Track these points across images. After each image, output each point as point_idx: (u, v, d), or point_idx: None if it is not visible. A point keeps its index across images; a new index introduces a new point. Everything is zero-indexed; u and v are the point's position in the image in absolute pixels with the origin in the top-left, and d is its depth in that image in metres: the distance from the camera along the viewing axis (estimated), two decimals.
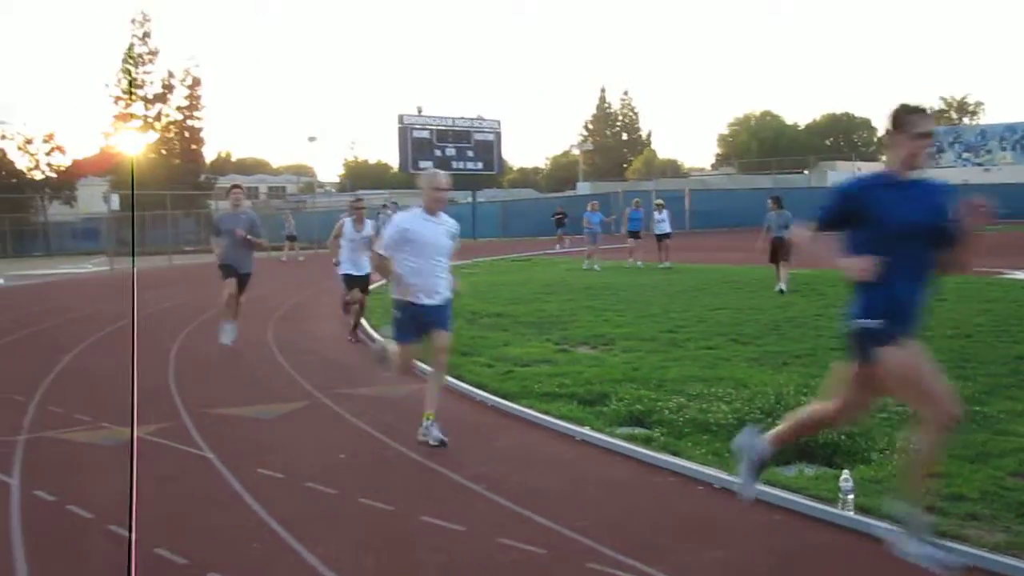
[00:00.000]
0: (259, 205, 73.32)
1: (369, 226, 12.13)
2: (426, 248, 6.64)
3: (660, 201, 26.40)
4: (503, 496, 5.45)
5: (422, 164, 47.45)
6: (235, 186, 12.86)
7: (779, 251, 16.69)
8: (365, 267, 11.85)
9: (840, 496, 4.88)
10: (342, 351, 11.77)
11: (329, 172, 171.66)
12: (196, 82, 62.14)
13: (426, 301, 6.67)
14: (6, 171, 61.60)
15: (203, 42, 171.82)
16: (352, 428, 7.44)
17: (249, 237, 11.69)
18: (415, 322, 6.73)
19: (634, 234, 25.27)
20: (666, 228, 24.85)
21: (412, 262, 6.63)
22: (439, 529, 4.95)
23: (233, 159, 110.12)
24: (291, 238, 36.28)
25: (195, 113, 62.32)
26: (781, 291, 16.12)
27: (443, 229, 6.81)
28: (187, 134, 62.13)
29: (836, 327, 11.48)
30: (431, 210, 6.77)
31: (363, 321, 12.82)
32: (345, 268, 12.13)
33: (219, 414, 8.04)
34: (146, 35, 60.91)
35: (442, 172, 6.96)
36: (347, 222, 12.09)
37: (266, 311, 16.29)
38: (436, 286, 6.71)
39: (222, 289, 11.86)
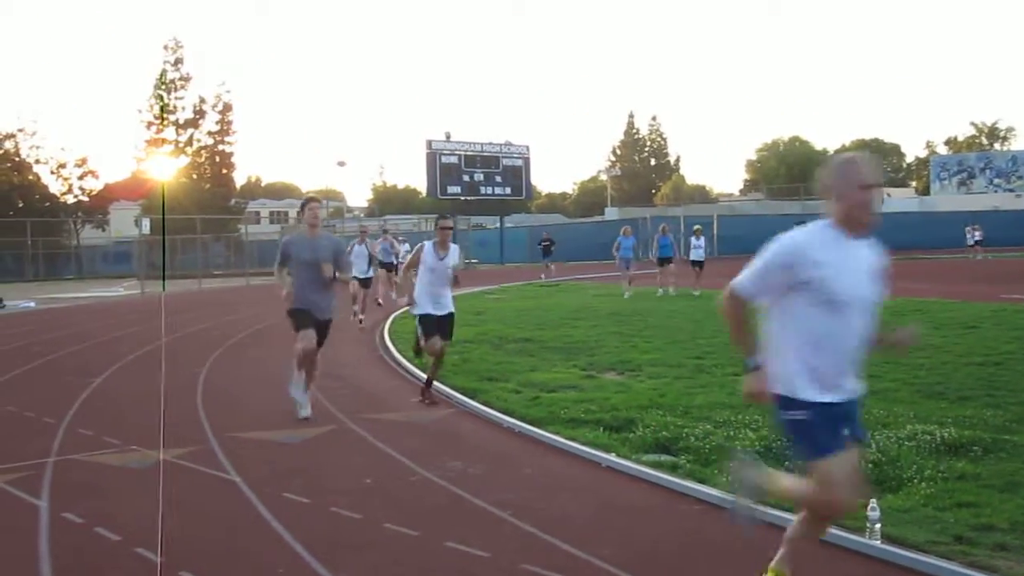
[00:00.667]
0: (288, 230, 73.87)
1: (454, 253, 9.60)
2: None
3: (698, 227, 25.81)
4: (528, 523, 5.44)
5: (450, 189, 47.78)
6: (311, 200, 9.46)
7: None
8: (448, 304, 9.56)
9: (868, 525, 4.83)
10: (367, 375, 11.80)
11: (358, 197, 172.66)
12: (227, 107, 62.85)
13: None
14: (39, 195, 62.39)
15: (234, 68, 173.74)
16: (378, 453, 7.45)
17: (336, 275, 9.20)
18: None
19: (664, 261, 24.32)
20: (701, 255, 24.49)
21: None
22: (463, 555, 4.95)
23: (263, 183, 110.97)
24: None
25: (226, 138, 62.99)
26: None
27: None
28: (218, 159, 62.72)
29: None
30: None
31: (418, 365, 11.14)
32: (423, 306, 9.44)
33: (246, 438, 8.08)
34: (178, 61, 61.72)
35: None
36: (427, 247, 9.45)
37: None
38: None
39: (296, 343, 9.07)
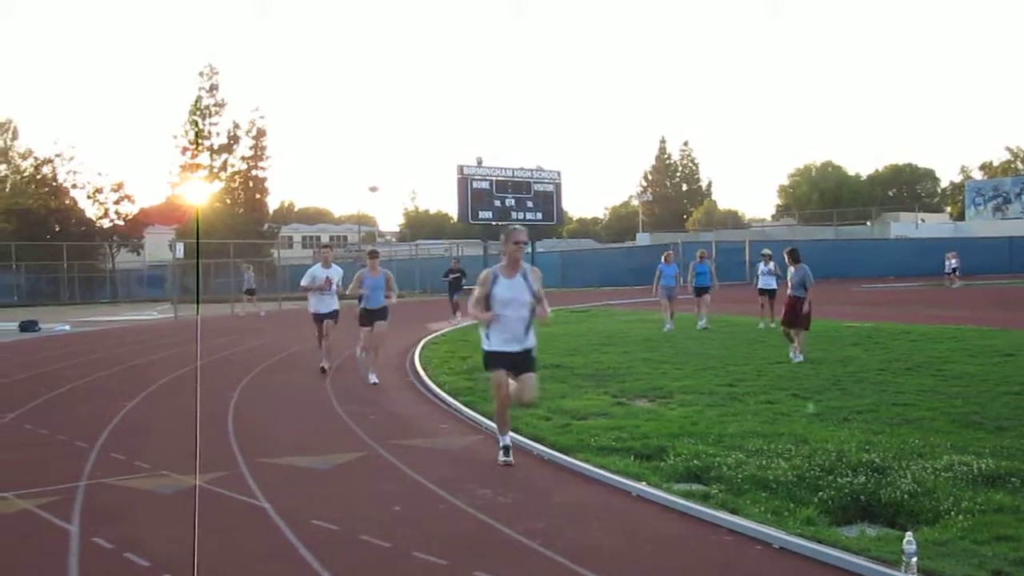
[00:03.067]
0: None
1: (529, 278, 8.04)
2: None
3: (767, 252, 21.79)
4: (558, 552, 5.39)
5: (482, 215, 47.84)
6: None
7: (795, 313, 14.32)
8: (528, 338, 7.98)
9: (904, 559, 4.73)
10: (398, 401, 11.77)
11: (390, 222, 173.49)
12: (261, 133, 63.46)
13: None
14: (76, 219, 63.17)
15: (268, 93, 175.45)
16: (407, 480, 7.42)
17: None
18: None
19: (701, 291, 21.67)
20: (773, 283, 20.93)
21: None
22: None
23: (296, 208, 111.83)
24: (250, 292, 34.45)
25: (259, 163, 63.53)
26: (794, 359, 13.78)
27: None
28: (251, 184, 63.29)
29: (899, 382, 11.30)
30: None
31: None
32: (494, 342, 7.90)
33: (276, 464, 8.08)
34: (213, 87, 62.45)
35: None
36: (495, 272, 8.01)
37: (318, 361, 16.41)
38: None
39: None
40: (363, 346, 13.68)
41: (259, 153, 63.43)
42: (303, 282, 14.52)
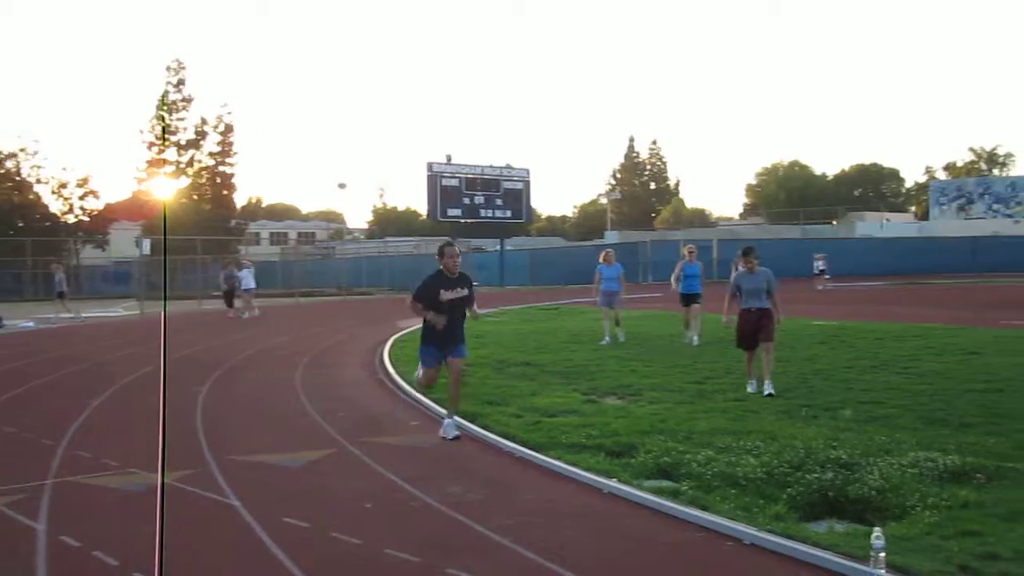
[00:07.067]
0: (288, 251, 73.99)
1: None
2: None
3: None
4: (529, 549, 5.40)
5: (451, 212, 47.81)
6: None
7: (758, 329, 11.05)
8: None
9: (872, 554, 4.78)
10: (368, 399, 11.74)
11: (358, 219, 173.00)
12: (228, 128, 63.08)
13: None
14: (40, 214, 62.43)
15: (236, 89, 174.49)
16: (378, 477, 7.41)
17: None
18: None
19: (690, 299, 17.29)
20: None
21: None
22: None
23: (264, 205, 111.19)
24: (60, 295, 31.03)
25: (227, 159, 63.15)
26: (761, 393, 10.66)
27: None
28: (219, 180, 62.92)
29: (866, 380, 11.41)
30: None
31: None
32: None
33: (245, 461, 8.04)
34: (180, 82, 61.97)
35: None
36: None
37: (294, 356, 16.35)
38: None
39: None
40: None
41: (226, 149, 63.06)
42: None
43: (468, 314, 9.44)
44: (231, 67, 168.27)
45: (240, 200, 74.36)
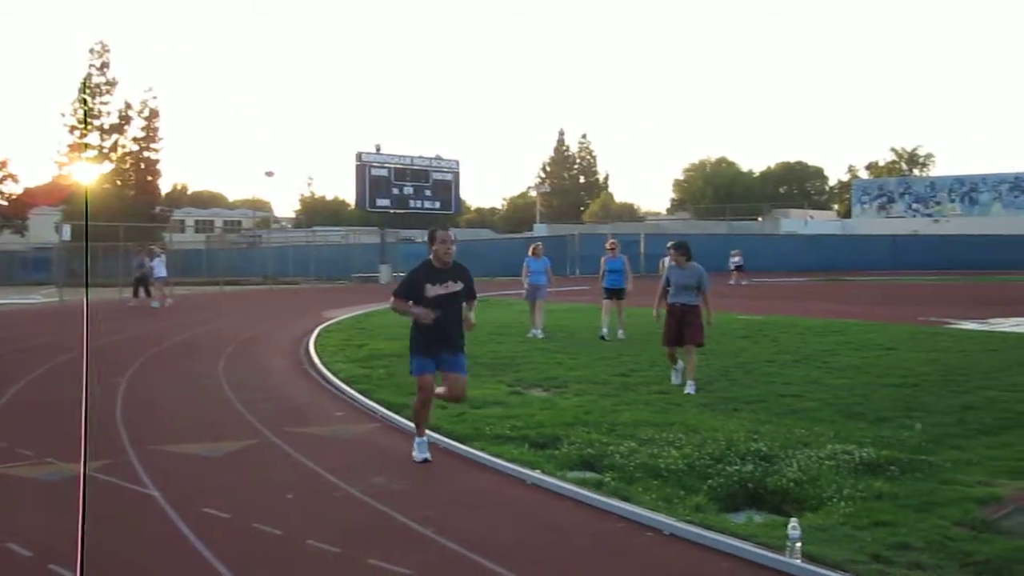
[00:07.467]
0: (213, 239, 72.97)
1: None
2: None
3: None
4: (452, 540, 5.41)
5: (380, 202, 47.53)
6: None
7: (683, 325, 10.79)
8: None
9: (788, 544, 4.88)
10: (292, 389, 11.64)
11: (286, 207, 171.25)
12: (154, 114, 61.83)
13: None
14: None
15: (161, 74, 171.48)
16: (301, 468, 7.36)
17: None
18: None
19: (613, 293, 16.96)
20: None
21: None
22: (386, 572, 4.89)
23: (189, 192, 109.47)
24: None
25: (152, 145, 61.92)
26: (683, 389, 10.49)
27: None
28: (143, 165, 61.65)
29: (787, 374, 11.61)
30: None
31: None
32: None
33: (166, 451, 7.93)
34: (104, 65, 60.58)
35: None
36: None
37: (218, 346, 16.14)
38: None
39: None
40: None
41: (151, 134, 61.80)
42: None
43: (467, 327, 7.73)
44: (157, 51, 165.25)
45: (165, 187, 73.20)
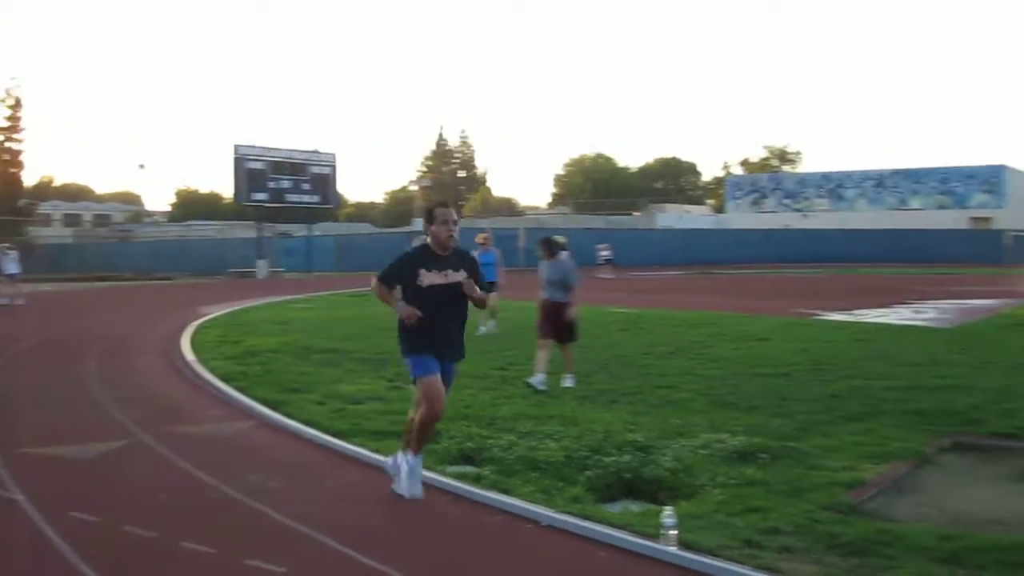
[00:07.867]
0: (82, 233, 70.70)
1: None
2: None
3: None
4: (329, 536, 5.35)
5: (257, 196, 46.79)
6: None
7: (559, 322, 10.70)
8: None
9: (663, 532, 4.98)
10: (164, 386, 11.35)
11: (159, 201, 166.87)
12: (18, 103, 59.75)
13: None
14: None
15: (26, 62, 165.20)
16: (174, 468, 7.19)
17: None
18: None
19: (491, 286, 14.97)
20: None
21: None
22: (262, 572, 4.82)
23: (55, 184, 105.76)
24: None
25: (15, 135, 59.75)
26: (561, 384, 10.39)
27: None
28: (6, 156, 59.41)
29: (662, 365, 11.83)
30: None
31: None
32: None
33: (31, 453, 7.65)
34: None
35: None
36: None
37: (87, 344, 15.65)
38: None
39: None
40: None
41: (15, 124, 59.69)
42: None
43: (474, 302, 6.44)
44: (21, 38, 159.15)
45: (30, 179, 70.66)
